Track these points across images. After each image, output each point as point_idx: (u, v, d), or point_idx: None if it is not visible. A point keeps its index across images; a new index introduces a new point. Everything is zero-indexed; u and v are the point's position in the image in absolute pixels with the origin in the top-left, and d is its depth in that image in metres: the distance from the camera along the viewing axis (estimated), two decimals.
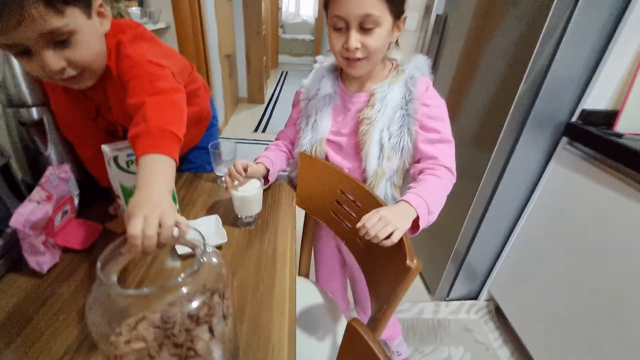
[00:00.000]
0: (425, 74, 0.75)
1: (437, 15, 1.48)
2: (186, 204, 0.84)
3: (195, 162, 1.05)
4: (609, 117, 0.96)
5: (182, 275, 0.33)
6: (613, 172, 0.91)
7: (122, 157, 0.63)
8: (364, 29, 0.65)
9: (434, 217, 0.68)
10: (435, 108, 0.73)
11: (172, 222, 0.43)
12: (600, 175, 0.94)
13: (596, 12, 0.90)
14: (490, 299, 1.46)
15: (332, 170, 0.80)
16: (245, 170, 0.76)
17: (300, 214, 0.92)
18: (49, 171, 0.64)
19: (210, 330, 0.36)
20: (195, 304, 0.35)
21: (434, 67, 1.51)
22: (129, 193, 0.66)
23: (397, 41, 0.75)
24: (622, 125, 0.94)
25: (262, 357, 0.49)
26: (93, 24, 0.59)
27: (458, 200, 1.30)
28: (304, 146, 0.83)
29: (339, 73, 0.82)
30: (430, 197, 0.65)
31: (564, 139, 1.07)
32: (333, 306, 0.90)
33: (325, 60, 0.84)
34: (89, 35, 0.57)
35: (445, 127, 0.74)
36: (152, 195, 0.47)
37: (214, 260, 0.40)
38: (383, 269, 0.64)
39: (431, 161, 0.72)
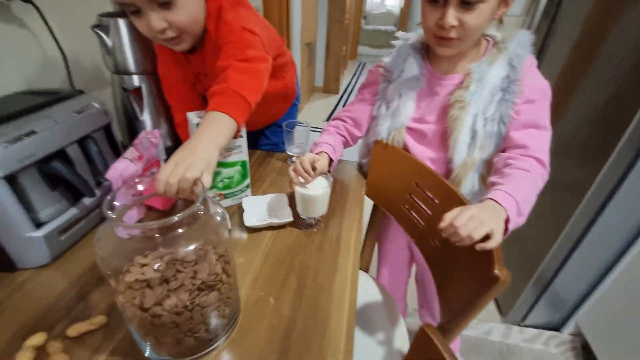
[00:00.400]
0: (529, 52, 0.65)
1: None
2: (256, 180, 0.85)
3: (272, 139, 1.07)
4: None
5: (179, 214, 0.36)
6: None
7: None
8: (465, 3, 0.56)
9: (523, 220, 0.58)
10: (537, 90, 0.63)
11: (193, 176, 0.45)
12: None
13: None
14: (577, 334, 1.25)
15: (409, 160, 0.74)
16: (314, 169, 0.67)
17: (367, 206, 0.87)
18: (142, 134, 0.70)
19: (200, 287, 0.38)
20: (191, 247, 0.37)
21: (538, 59, 1.31)
22: None
23: (501, 19, 0.65)
24: None
25: (318, 343, 0.47)
26: None
27: (551, 216, 1.12)
28: (382, 134, 0.77)
29: (425, 52, 0.73)
30: (520, 196, 0.55)
31: None
32: (392, 306, 0.84)
33: (409, 37, 0.75)
34: (190, 1, 0.63)
35: (545, 112, 0.63)
36: (195, 146, 0.50)
37: (218, 219, 0.42)
38: (460, 275, 0.56)
39: (520, 151, 0.62)
